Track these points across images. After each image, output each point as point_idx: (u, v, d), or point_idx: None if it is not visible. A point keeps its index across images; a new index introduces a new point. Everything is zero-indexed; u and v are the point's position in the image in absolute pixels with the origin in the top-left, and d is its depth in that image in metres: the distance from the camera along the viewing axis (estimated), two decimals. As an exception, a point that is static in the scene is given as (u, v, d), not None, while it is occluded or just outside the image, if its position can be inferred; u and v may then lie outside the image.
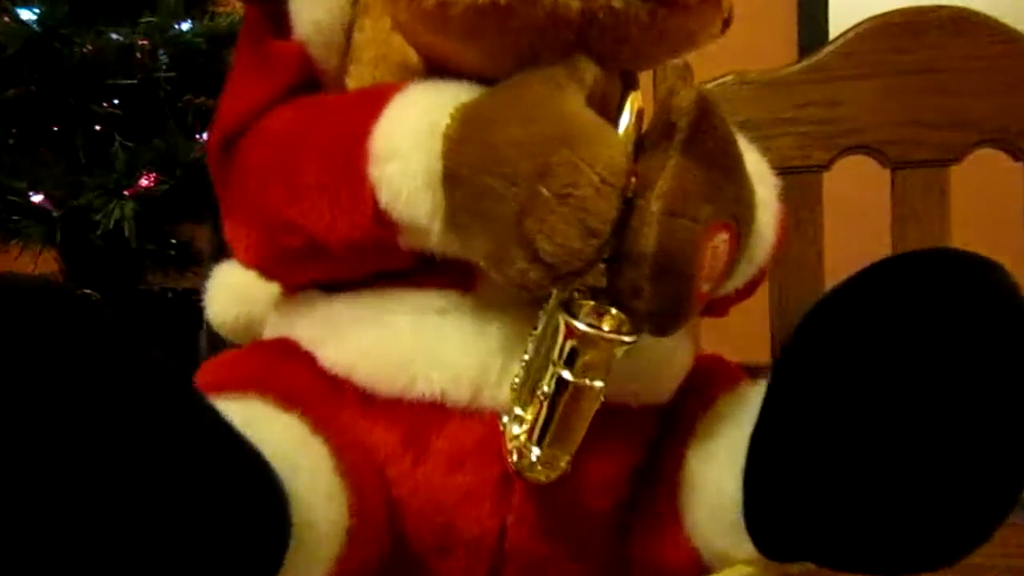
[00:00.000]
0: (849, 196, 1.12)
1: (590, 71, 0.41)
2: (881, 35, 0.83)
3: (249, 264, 0.51)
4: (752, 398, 0.46)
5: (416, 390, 0.45)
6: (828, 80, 0.82)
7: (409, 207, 0.43)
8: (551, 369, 0.40)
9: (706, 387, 0.51)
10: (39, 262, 1.19)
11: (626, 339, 0.39)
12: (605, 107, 0.42)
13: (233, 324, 0.64)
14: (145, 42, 1.03)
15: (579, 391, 0.39)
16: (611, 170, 0.38)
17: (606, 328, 0.39)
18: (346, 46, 0.56)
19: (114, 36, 1.02)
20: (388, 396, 0.46)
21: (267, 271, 0.52)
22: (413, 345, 0.46)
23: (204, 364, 0.55)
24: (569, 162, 0.38)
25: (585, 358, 0.39)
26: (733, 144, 0.43)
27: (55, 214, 1.00)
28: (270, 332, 0.56)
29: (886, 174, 0.78)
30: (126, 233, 0.97)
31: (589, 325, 0.39)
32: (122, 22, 1.03)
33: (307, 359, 0.49)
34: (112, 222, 0.96)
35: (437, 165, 0.42)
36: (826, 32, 1.59)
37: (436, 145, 0.42)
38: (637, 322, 0.40)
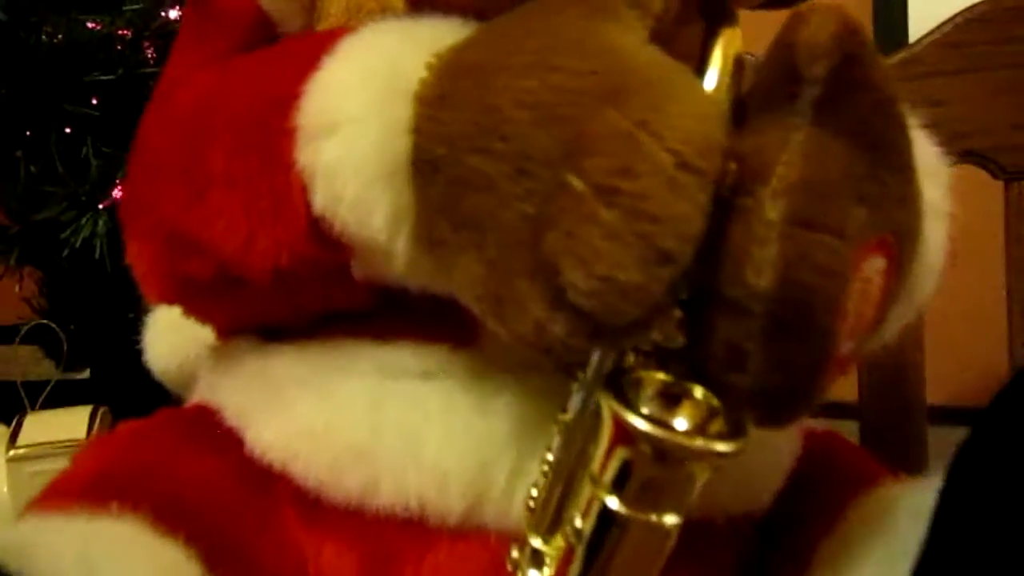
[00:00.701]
0: (952, 211, 0.95)
1: None
2: (991, 22, 0.68)
3: (150, 296, 0.36)
4: (901, 510, 0.30)
5: (381, 497, 0.30)
6: (927, 75, 0.68)
7: (358, 212, 0.27)
8: (589, 489, 0.23)
9: (825, 486, 0.35)
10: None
11: (719, 446, 0.22)
12: (681, 49, 0.26)
13: (177, 374, 0.49)
14: (127, 32, 0.89)
15: (636, 531, 0.23)
16: (694, 146, 0.22)
17: (684, 424, 0.23)
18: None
19: (90, 25, 0.88)
20: (341, 503, 0.31)
21: (177, 306, 0.37)
22: (377, 427, 0.30)
23: (93, 442, 0.40)
24: (620, 132, 0.22)
25: (647, 477, 0.23)
26: (896, 108, 0.26)
27: (12, 230, 0.86)
28: (197, 393, 0.40)
29: (997, 186, 0.66)
30: (97, 253, 0.83)
31: (654, 420, 0.22)
32: (101, 10, 0.89)
33: (229, 440, 0.33)
34: (80, 240, 0.82)
35: (402, 142, 0.26)
36: (905, 29, 1.40)
37: (401, 111, 0.26)
38: (737, 410, 0.23)
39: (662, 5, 0.26)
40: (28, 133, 0.88)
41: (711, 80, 0.26)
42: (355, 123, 0.27)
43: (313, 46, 0.31)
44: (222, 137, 0.32)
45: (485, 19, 0.30)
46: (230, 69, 0.36)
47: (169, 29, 0.88)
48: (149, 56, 0.90)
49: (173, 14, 0.90)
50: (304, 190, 0.29)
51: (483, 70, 0.26)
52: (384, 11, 0.38)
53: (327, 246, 0.29)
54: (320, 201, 0.28)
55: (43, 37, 0.86)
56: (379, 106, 0.27)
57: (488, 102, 0.25)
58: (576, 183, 0.23)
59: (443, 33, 0.29)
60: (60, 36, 0.87)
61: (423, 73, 0.27)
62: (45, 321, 1.01)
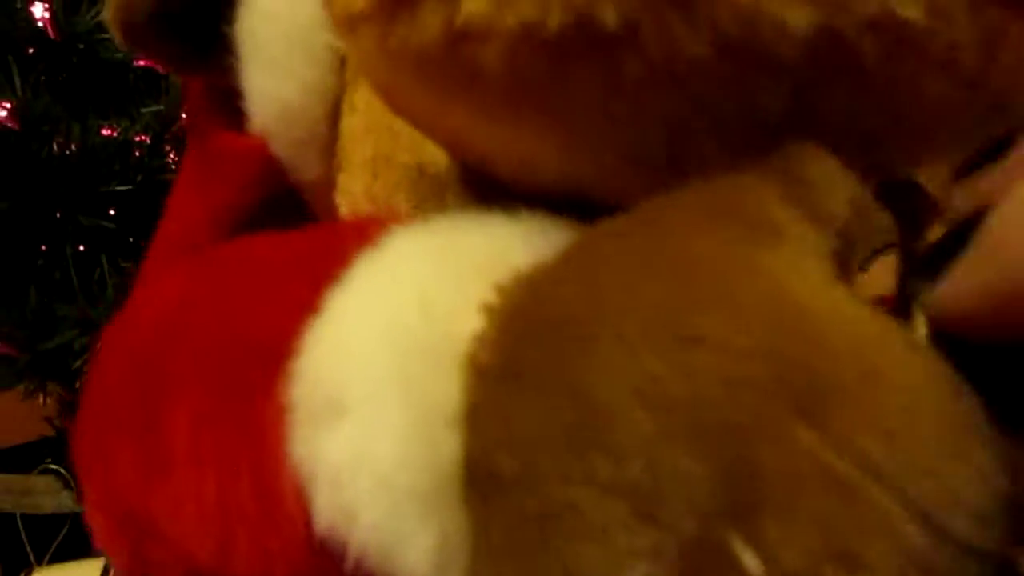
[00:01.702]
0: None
1: (837, 186, 0.17)
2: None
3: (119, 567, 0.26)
4: None
5: None
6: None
7: (382, 542, 0.16)
8: None
9: None
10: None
11: None
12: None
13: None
14: (145, 138, 0.82)
15: None
16: (962, 508, 0.11)
17: None
18: (331, 141, 0.34)
19: (106, 132, 0.81)
20: None
21: None
22: None
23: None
24: (823, 473, 0.14)
25: None
26: None
27: (20, 363, 0.78)
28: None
29: None
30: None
31: None
32: (117, 113, 0.82)
33: None
34: (94, 369, 0.74)
35: (446, 441, 0.15)
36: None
37: (442, 388, 0.18)
38: None
39: (846, 209, 0.16)
40: (43, 248, 0.81)
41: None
42: (373, 406, 0.18)
43: (313, 259, 0.22)
44: (187, 388, 0.22)
45: (574, 198, 0.20)
46: (206, 272, 0.27)
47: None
48: (170, 160, 0.83)
49: (195, 115, 0.82)
50: (300, 492, 0.19)
51: (575, 331, 0.15)
52: (420, 170, 0.29)
53: (340, 561, 0.19)
54: (325, 513, 0.18)
55: (55, 147, 0.79)
56: (408, 378, 0.17)
57: (585, 391, 0.15)
58: (748, 560, 0.13)
59: (506, 243, 0.19)
60: (74, 146, 0.79)
61: (477, 322, 0.17)
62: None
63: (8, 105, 0.79)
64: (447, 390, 0.17)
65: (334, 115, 0.32)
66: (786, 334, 0.14)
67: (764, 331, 0.14)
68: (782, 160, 0.16)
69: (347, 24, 0.18)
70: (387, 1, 0.16)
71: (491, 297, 0.18)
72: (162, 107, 0.83)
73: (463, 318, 0.18)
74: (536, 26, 0.15)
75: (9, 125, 0.79)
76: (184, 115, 0.40)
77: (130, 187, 0.80)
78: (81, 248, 0.80)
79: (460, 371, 0.17)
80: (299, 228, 0.32)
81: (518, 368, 0.16)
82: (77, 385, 0.75)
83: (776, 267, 0.15)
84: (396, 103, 0.22)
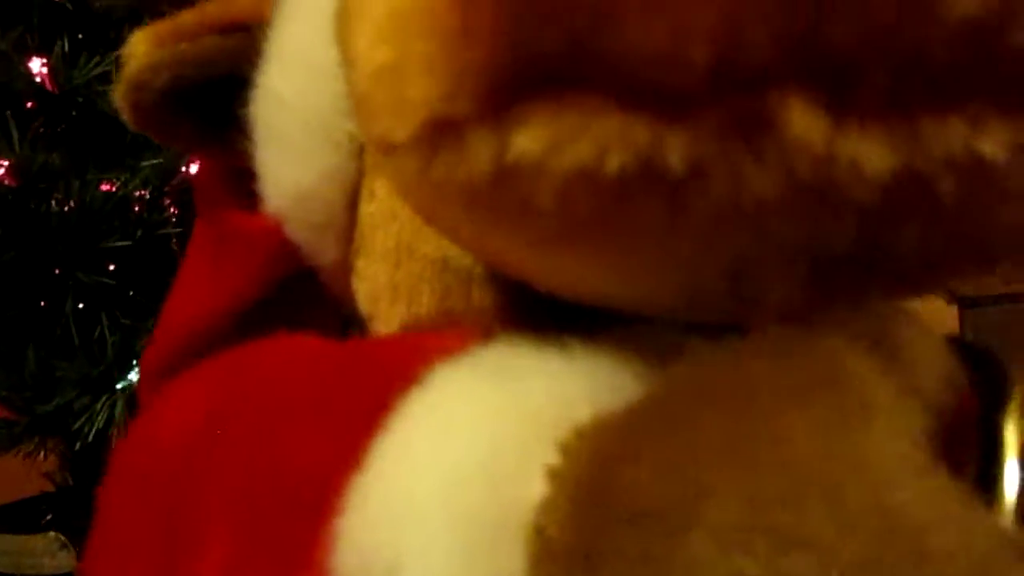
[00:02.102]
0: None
1: (931, 358, 0.17)
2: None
3: None
4: None
5: None
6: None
7: None
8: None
9: None
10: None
11: None
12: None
13: None
14: (144, 192, 0.81)
15: None
16: None
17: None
18: (349, 225, 0.32)
19: (105, 188, 0.80)
20: None
21: None
22: None
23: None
24: None
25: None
26: None
27: (18, 428, 0.77)
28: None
29: None
30: (113, 443, 0.73)
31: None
32: (116, 167, 0.81)
33: None
34: (95, 430, 0.72)
35: None
36: None
37: (508, 560, 0.17)
38: None
39: (940, 384, 0.15)
40: (42, 305, 0.79)
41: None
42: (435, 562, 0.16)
43: (352, 387, 0.20)
44: (216, 533, 0.21)
45: (632, 318, 0.19)
46: (232, 386, 0.25)
47: (190, 184, 0.80)
48: (170, 214, 0.82)
49: (194, 168, 0.81)
50: None
51: (660, 520, 0.14)
52: (444, 263, 0.27)
53: None
54: None
55: (54, 204, 0.78)
56: (471, 550, 0.16)
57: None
58: None
59: (567, 389, 0.18)
60: (72, 202, 0.78)
61: (542, 487, 0.16)
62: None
63: (6, 163, 0.78)
64: (512, 565, 0.16)
65: (353, 201, 0.31)
66: (893, 545, 0.13)
67: (870, 539, 0.13)
68: (873, 322, 0.15)
69: (385, 149, 0.17)
70: (431, 132, 0.15)
71: (557, 460, 0.17)
72: (161, 160, 0.82)
73: (527, 482, 0.16)
74: (593, 168, 0.14)
75: (7, 182, 0.78)
76: (195, 194, 0.39)
77: (130, 242, 0.79)
78: (80, 306, 0.79)
79: (526, 544, 0.16)
80: (324, 329, 0.31)
81: (594, 552, 0.15)
82: (78, 446, 0.73)
83: (878, 458, 0.14)
84: (432, 222, 0.21)
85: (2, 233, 0.78)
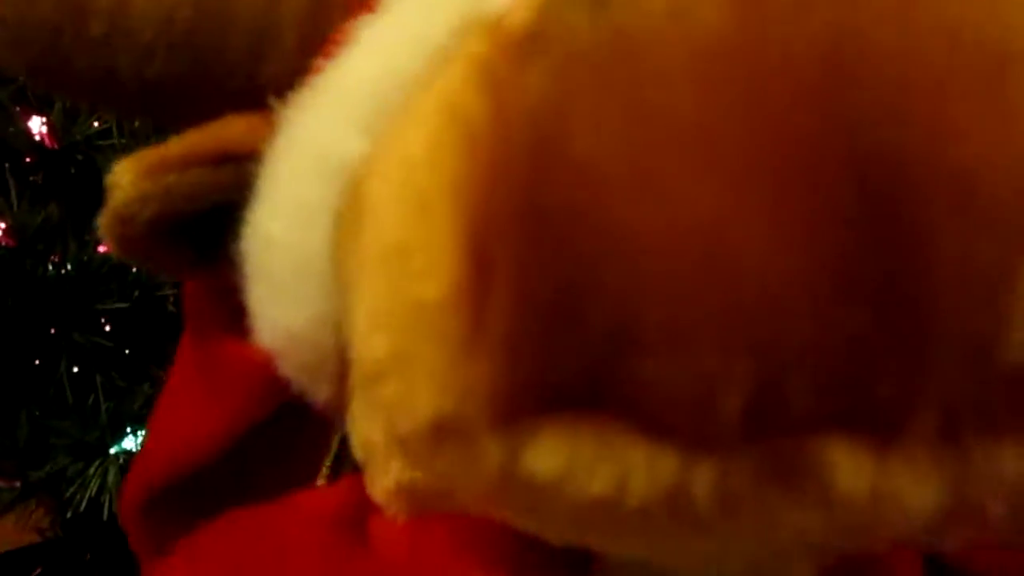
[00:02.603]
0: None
1: None
2: None
3: None
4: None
5: None
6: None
7: None
8: None
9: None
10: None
11: None
12: None
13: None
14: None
15: None
16: None
17: None
18: (342, 369, 0.28)
19: (102, 250, 0.79)
20: None
21: None
22: None
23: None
24: None
25: None
26: None
27: (10, 495, 0.76)
28: None
29: None
30: (106, 512, 0.71)
31: None
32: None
33: None
34: (87, 498, 0.71)
35: None
36: None
37: None
38: None
39: None
40: (36, 366, 0.78)
41: None
42: None
43: None
44: None
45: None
46: None
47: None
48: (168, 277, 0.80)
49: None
50: None
51: None
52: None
53: None
54: None
55: (50, 267, 0.77)
56: None
57: None
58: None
59: None
60: (69, 264, 0.78)
61: None
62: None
63: (3, 224, 0.77)
64: None
65: (346, 346, 0.30)
66: None
67: None
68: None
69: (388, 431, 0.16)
70: (435, 432, 0.14)
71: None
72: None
73: None
74: (613, 498, 0.13)
75: (4, 243, 0.77)
76: (184, 311, 0.38)
77: (127, 304, 0.78)
78: (75, 369, 0.78)
79: None
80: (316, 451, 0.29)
81: None
82: (69, 515, 0.72)
83: None
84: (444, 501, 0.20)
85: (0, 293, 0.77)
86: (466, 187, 0.15)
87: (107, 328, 0.80)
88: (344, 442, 0.37)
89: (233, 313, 0.34)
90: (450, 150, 0.16)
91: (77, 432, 0.75)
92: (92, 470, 0.73)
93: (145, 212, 0.31)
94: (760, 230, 0.12)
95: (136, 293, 0.79)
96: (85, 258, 0.78)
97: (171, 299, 0.80)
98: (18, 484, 0.75)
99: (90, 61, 0.32)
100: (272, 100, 0.33)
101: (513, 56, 0.16)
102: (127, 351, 0.79)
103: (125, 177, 0.32)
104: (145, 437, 0.37)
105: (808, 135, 0.12)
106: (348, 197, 0.25)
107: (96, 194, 0.79)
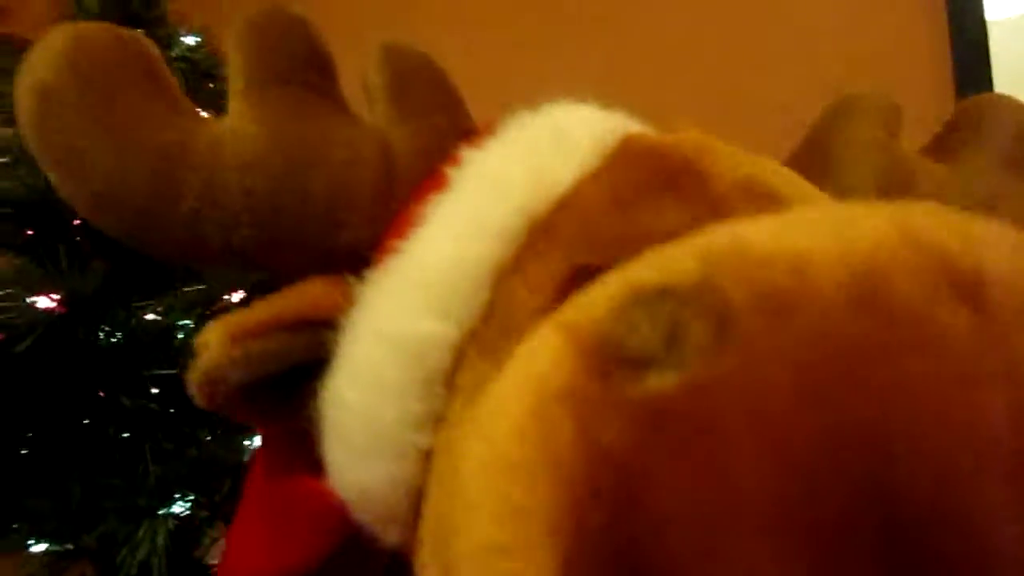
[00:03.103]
0: None
1: None
2: None
3: None
4: None
5: None
6: None
7: None
8: None
9: None
10: None
11: None
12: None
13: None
14: (188, 321, 0.83)
15: None
16: None
17: None
18: (412, 521, 0.34)
19: (149, 318, 0.82)
20: None
21: None
22: None
23: None
24: None
25: None
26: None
27: (65, 555, 0.79)
28: None
29: None
30: (157, 573, 0.74)
31: None
32: (158, 292, 0.83)
33: None
34: (138, 562, 0.74)
35: None
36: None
37: None
38: None
39: None
40: (86, 431, 0.82)
41: None
42: None
43: None
44: None
45: None
46: None
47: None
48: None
49: (236, 297, 0.84)
50: None
51: None
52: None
53: None
54: None
55: (100, 335, 0.81)
56: None
57: None
58: None
59: None
60: (119, 333, 0.81)
61: None
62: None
63: (57, 296, 0.81)
64: None
65: (416, 502, 0.33)
66: None
67: None
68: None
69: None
70: None
71: None
72: (204, 286, 0.85)
73: None
74: None
75: (56, 311, 0.80)
76: (259, 452, 0.40)
77: (173, 371, 0.81)
78: (125, 435, 0.81)
79: None
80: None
81: None
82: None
83: None
84: None
85: (50, 359, 0.81)
86: (555, 510, 0.18)
87: (154, 393, 0.83)
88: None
89: (306, 454, 0.37)
90: (540, 465, 0.18)
91: (127, 496, 0.78)
92: (141, 533, 0.76)
93: (233, 376, 0.34)
94: None
95: (181, 359, 0.82)
96: (133, 325, 0.82)
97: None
98: (71, 547, 0.78)
99: (181, 231, 0.35)
100: (347, 271, 0.36)
101: (595, 375, 0.19)
102: (173, 416, 0.82)
103: (214, 340, 0.35)
104: (221, 563, 0.39)
105: (849, 514, 0.15)
106: (444, 450, 0.28)
107: (142, 260, 0.82)
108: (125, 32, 0.37)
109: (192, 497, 0.78)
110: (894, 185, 0.39)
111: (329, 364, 0.35)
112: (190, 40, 1.02)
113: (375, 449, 0.33)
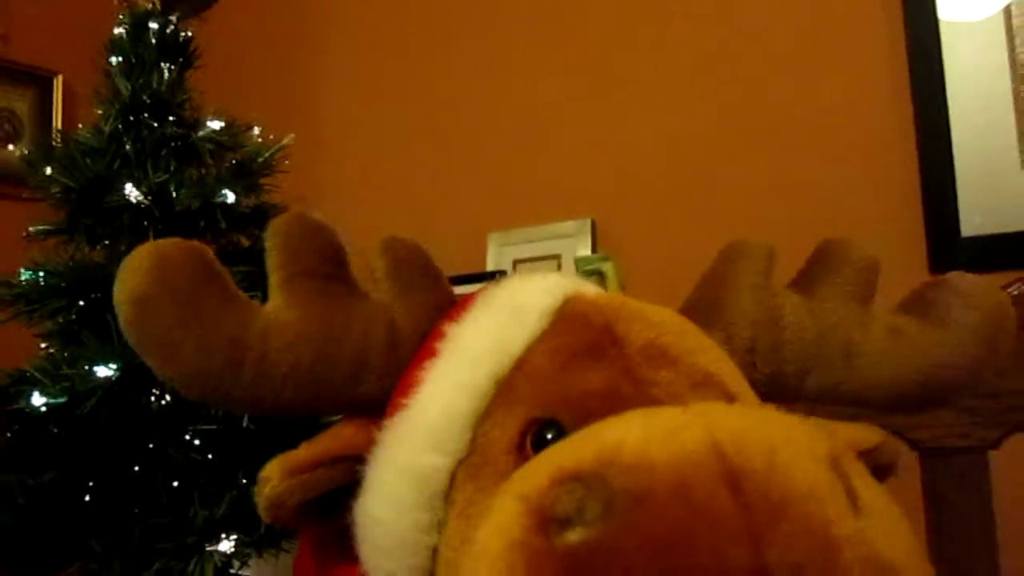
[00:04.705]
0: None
1: None
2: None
3: None
4: None
5: None
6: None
7: None
8: None
9: None
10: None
11: None
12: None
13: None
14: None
15: None
16: None
17: None
18: None
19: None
20: None
21: None
22: None
23: None
24: None
25: None
26: None
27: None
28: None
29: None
30: (206, 605, 0.88)
31: None
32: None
33: None
34: (190, 593, 0.88)
35: None
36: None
37: None
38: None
39: None
40: (138, 479, 0.95)
41: None
42: None
43: None
44: None
45: None
46: None
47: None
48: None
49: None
50: None
51: None
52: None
53: None
54: None
55: (151, 397, 0.94)
56: None
57: None
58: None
59: None
60: (168, 397, 0.95)
61: None
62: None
63: (114, 365, 0.94)
64: None
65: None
66: None
67: None
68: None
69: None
70: None
71: None
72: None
73: None
74: None
75: (113, 377, 0.94)
76: (309, 547, 0.53)
77: (213, 426, 0.95)
78: (175, 483, 0.95)
79: None
80: None
81: None
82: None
83: None
84: None
85: (108, 419, 0.94)
86: None
87: (196, 445, 0.96)
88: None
89: (345, 549, 0.50)
90: None
91: (178, 535, 0.92)
92: (192, 567, 0.90)
93: (291, 501, 0.48)
94: None
95: (219, 414, 0.96)
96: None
97: (247, 420, 0.97)
98: (133, 582, 0.93)
99: (244, 394, 0.48)
100: (364, 414, 0.49)
101: (538, 531, 0.32)
102: (214, 464, 0.96)
103: (274, 474, 0.48)
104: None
105: None
106: (446, 546, 0.42)
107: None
108: (193, 245, 0.50)
109: (235, 536, 0.92)
110: (766, 318, 0.53)
111: (360, 486, 0.48)
112: (215, 124, 1.15)
113: (397, 548, 0.46)
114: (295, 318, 0.49)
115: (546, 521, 0.33)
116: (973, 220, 1.33)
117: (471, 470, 0.45)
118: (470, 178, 1.89)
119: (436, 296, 0.52)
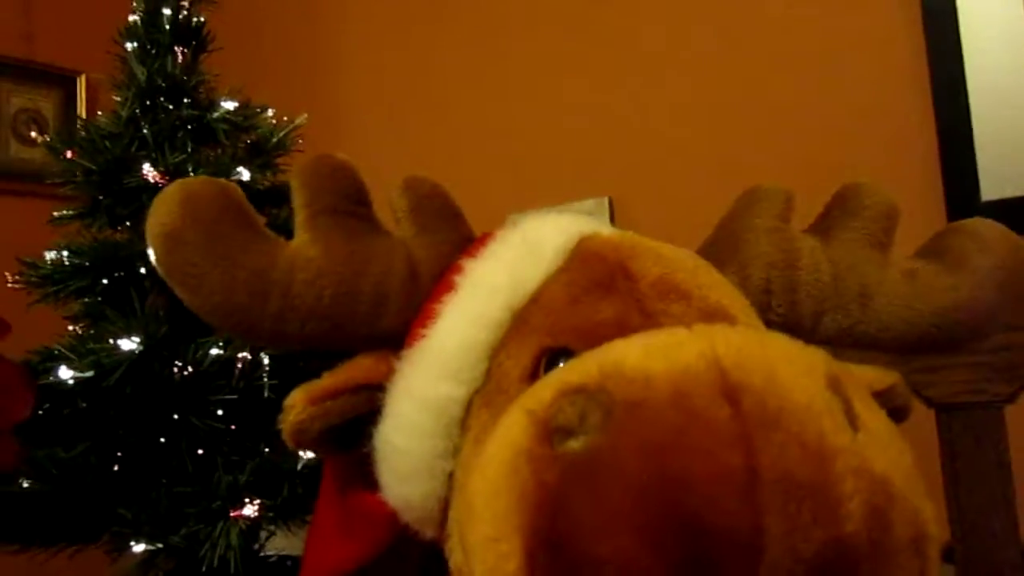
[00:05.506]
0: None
1: None
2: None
3: None
4: None
5: None
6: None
7: None
8: None
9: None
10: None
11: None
12: None
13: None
14: (247, 354, 0.99)
15: None
16: None
17: None
18: (442, 520, 0.48)
19: (213, 351, 0.98)
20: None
21: None
22: None
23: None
24: None
25: None
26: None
27: (157, 553, 0.95)
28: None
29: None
30: (232, 567, 0.90)
31: None
32: (221, 333, 0.99)
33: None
34: (217, 556, 0.90)
35: None
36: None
37: None
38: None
39: None
40: (163, 444, 0.97)
41: None
42: None
43: None
44: None
45: None
46: None
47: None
48: (265, 369, 1.00)
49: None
50: None
51: None
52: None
53: None
54: None
55: (174, 368, 0.96)
56: None
57: None
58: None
59: None
60: (189, 367, 0.97)
61: None
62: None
63: (137, 338, 0.96)
64: None
65: (444, 507, 0.48)
66: None
67: None
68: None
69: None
70: None
71: None
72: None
73: None
74: None
75: (137, 350, 0.96)
76: (330, 473, 0.55)
77: (235, 396, 0.97)
78: (199, 451, 0.97)
79: None
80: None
81: None
82: (204, 568, 0.91)
83: None
84: None
85: (133, 391, 0.96)
86: (520, 516, 0.32)
87: (219, 414, 0.98)
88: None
89: (365, 475, 0.52)
90: (514, 492, 0.33)
91: (203, 501, 0.94)
92: (217, 532, 0.92)
93: (314, 427, 0.49)
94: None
95: (241, 385, 0.98)
96: (199, 358, 0.97)
97: (267, 390, 0.99)
98: (160, 546, 0.94)
99: (270, 325, 0.50)
100: (385, 348, 0.51)
101: (543, 440, 0.34)
102: (236, 432, 0.98)
103: (298, 401, 0.50)
104: (304, 557, 0.54)
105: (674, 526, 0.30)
106: (460, 472, 0.43)
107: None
108: (221, 182, 0.51)
109: (258, 501, 0.94)
110: (782, 259, 0.54)
111: (379, 415, 0.49)
112: (229, 105, 1.17)
113: (414, 473, 0.48)
114: (318, 253, 0.51)
115: (550, 431, 0.34)
116: (992, 185, 1.33)
117: (486, 398, 0.46)
118: (488, 159, 1.91)
119: (455, 233, 0.54)
